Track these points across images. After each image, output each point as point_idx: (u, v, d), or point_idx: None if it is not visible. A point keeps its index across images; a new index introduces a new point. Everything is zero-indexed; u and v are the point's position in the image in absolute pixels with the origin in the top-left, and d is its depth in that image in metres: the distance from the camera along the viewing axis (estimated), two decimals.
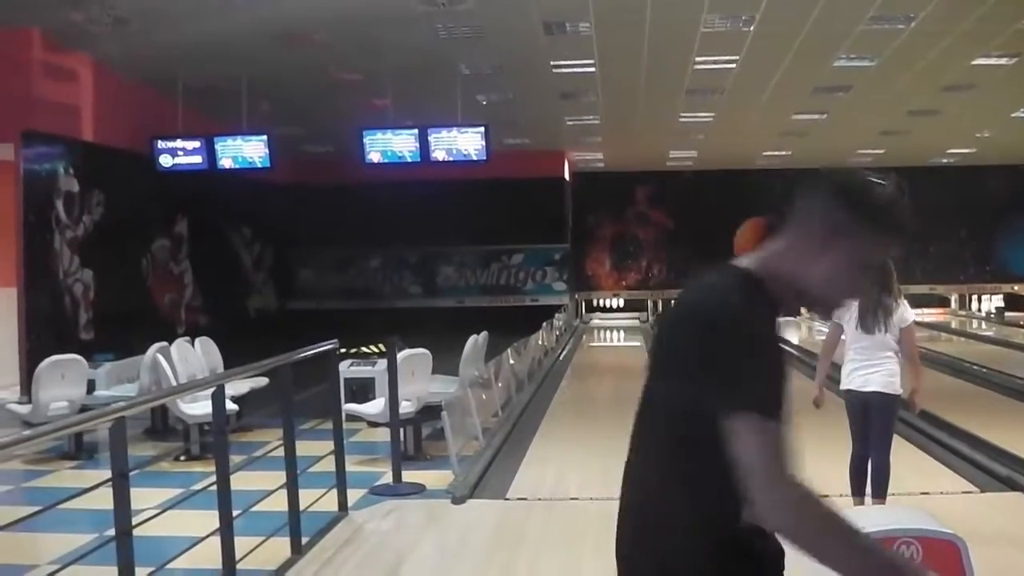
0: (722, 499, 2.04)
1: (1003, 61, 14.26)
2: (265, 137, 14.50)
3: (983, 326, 25.74)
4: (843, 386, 6.65)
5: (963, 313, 28.19)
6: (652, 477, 2.22)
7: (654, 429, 2.22)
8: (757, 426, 2.00)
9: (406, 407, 8.86)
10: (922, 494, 7.35)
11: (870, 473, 6.57)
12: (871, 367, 6.47)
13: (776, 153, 24.58)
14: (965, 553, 3.52)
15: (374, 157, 14.68)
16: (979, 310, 28.87)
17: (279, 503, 6.08)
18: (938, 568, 3.23)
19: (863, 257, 2.21)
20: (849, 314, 6.47)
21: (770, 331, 2.17)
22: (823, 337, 7.43)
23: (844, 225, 2.18)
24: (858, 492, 6.62)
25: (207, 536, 5.20)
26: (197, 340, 11.47)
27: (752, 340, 2.10)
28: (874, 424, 6.51)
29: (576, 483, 8.34)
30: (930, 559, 3.43)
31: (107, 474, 4.27)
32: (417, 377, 9.37)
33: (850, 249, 2.18)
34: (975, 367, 14.84)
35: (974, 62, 14.31)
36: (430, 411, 9.29)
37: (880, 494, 6.49)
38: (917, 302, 19.85)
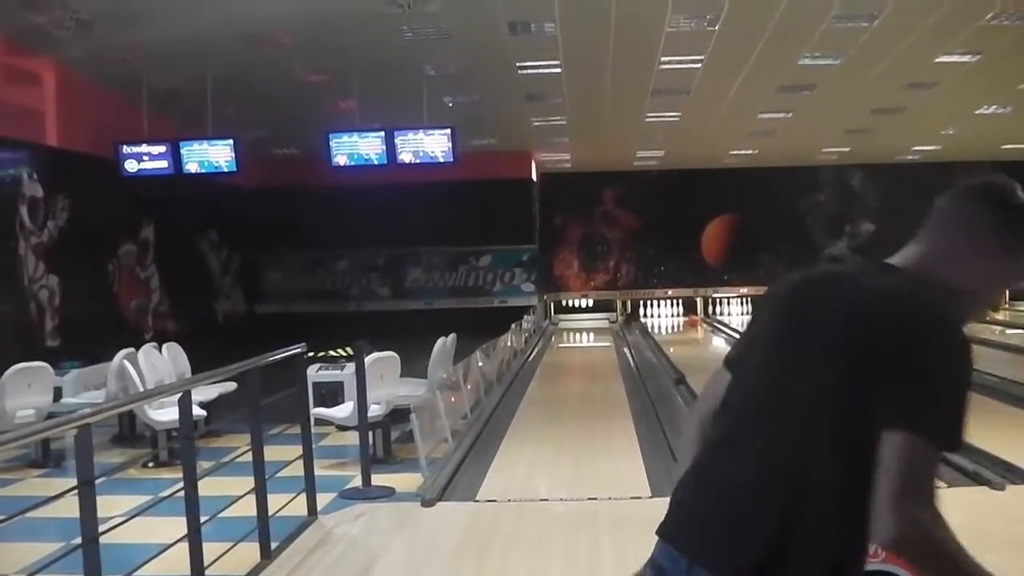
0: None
1: (966, 59, 14.36)
2: (231, 141, 14.39)
3: None
4: None
5: None
6: (785, 471, 1.99)
7: (803, 420, 2.00)
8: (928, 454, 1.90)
9: (375, 410, 8.85)
10: None
11: None
12: None
13: (742, 152, 24.69)
14: None
15: (341, 160, 14.60)
16: None
17: (248, 508, 6.05)
18: (898, 564, 3.24)
19: (1008, 271, 2.16)
20: None
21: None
22: None
23: (1000, 236, 2.13)
24: None
25: (175, 543, 5.17)
26: (164, 346, 11.40)
27: (966, 366, 1.94)
28: None
29: (546, 484, 8.37)
30: (892, 556, 3.45)
31: (75, 482, 4.23)
32: (385, 380, 9.35)
33: (1004, 262, 2.13)
34: None
35: (937, 60, 14.40)
36: (399, 414, 9.28)
37: None
38: None
